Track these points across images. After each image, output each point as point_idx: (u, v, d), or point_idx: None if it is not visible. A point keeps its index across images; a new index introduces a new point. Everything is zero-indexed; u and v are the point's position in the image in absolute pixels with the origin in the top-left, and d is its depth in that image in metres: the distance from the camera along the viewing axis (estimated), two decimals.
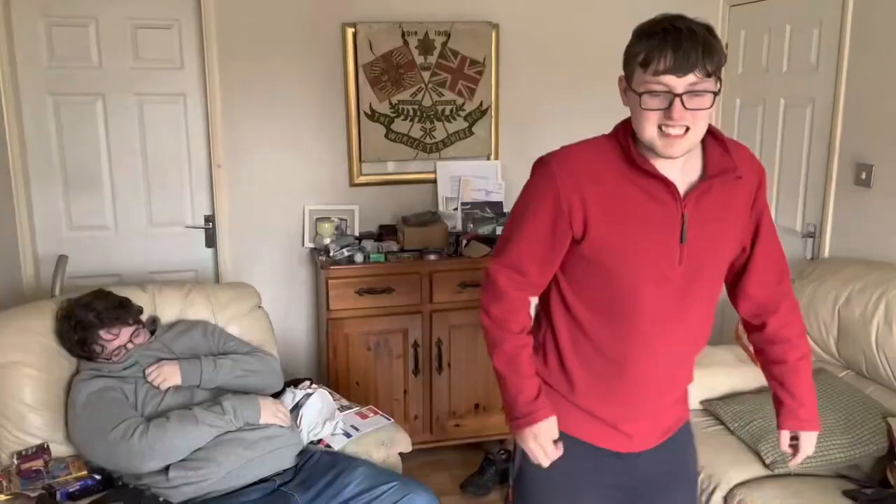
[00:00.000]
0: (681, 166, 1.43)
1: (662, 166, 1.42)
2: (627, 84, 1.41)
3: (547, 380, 1.55)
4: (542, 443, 1.47)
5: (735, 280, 1.61)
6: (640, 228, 1.43)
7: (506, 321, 1.51)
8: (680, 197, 1.42)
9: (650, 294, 1.45)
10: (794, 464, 1.68)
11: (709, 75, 1.33)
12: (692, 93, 1.32)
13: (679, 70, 1.32)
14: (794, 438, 1.64)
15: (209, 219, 3.41)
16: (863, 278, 2.60)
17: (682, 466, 1.70)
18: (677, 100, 1.32)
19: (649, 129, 1.36)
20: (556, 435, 1.49)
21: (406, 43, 3.38)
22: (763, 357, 1.70)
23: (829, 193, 3.03)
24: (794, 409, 1.61)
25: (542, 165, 1.47)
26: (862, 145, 2.86)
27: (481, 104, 3.51)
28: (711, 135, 1.46)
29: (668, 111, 1.34)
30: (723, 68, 1.37)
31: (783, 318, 1.61)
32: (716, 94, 1.35)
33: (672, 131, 1.35)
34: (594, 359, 1.51)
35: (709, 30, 1.35)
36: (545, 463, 1.48)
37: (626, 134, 1.44)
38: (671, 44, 1.32)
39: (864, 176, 2.84)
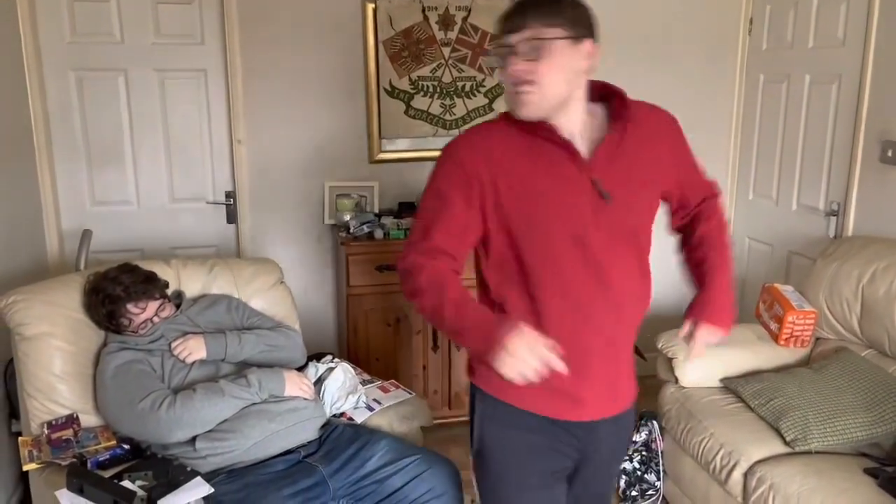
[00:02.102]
0: (580, 130, 1.47)
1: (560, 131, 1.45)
2: None
3: None
4: (537, 348, 1.29)
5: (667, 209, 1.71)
6: (550, 195, 1.45)
7: (442, 287, 1.42)
8: (582, 159, 1.44)
9: (571, 257, 1.46)
10: (690, 359, 1.63)
11: (551, 26, 1.36)
12: (532, 45, 1.36)
13: (514, 26, 1.38)
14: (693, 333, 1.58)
15: (230, 195, 3.43)
16: (887, 257, 2.58)
17: (622, 445, 1.75)
18: (512, 54, 1.38)
19: (506, 92, 1.45)
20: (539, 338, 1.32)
21: (426, 18, 3.36)
22: (687, 262, 1.69)
23: (853, 171, 2.99)
24: (703, 303, 1.58)
25: (447, 149, 1.50)
26: (889, 122, 2.82)
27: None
28: (617, 96, 1.50)
29: (508, 68, 1.40)
30: (582, 23, 1.41)
31: (706, 227, 1.65)
32: (572, 40, 1.38)
33: (518, 88, 1.40)
34: (536, 324, 1.42)
35: None
36: (560, 365, 1.31)
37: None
38: (514, 5, 1.41)
39: (890, 153, 2.80)
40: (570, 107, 1.45)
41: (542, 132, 1.43)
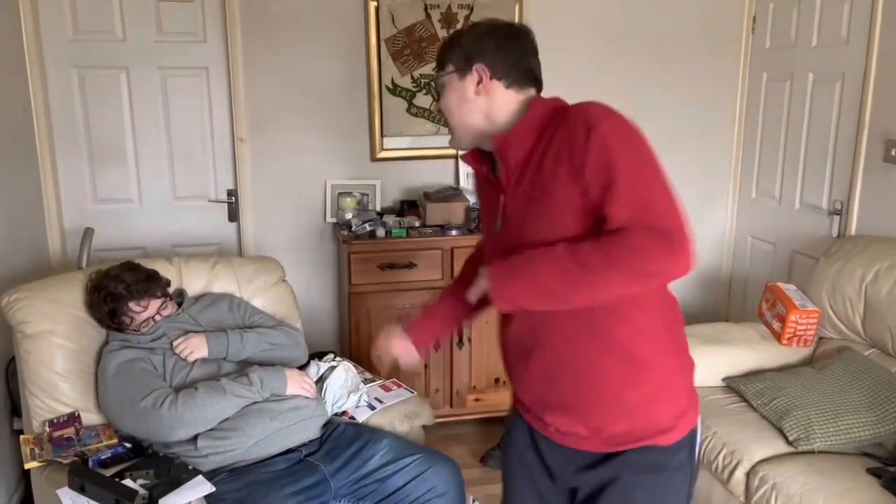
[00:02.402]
0: (502, 154, 1.40)
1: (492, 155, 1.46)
2: None
3: None
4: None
5: None
6: (486, 219, 1.55)
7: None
8: (497, 183, 1.44)
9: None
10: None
11: (441, 68, 1.46)
12: (438, 88, 1.50)
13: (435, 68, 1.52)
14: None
15: (232, 193, 3.43)
16: (890, 256, 2.57)
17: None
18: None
19: None
20: None
21: (429, 16, 3.36)
22: None
23: (857, 170, 2.99)
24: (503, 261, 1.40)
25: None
26: (892, 121, 2.81)
27: None
28: (549, 110, 1.38)
29: None
30: (467, 53, 1.43)
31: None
32: (458, 73, 1.43)
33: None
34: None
35: (459, 31, 1.48)
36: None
37: None
38: None
39: (893, 153, 2.80)
40: (489, 130, 1.43)
41: (466, 157, 1.52)
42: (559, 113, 1.35)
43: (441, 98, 1.48)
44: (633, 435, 1.40)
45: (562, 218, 1.31)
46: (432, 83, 3.41)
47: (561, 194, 1.30)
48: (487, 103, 1.43)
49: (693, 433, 1.46)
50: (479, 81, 1.42)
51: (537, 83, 1.47)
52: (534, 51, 1.46)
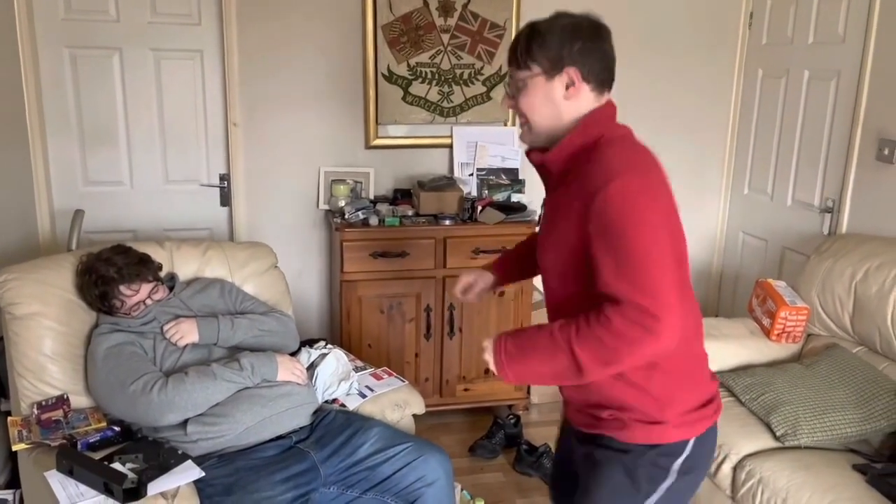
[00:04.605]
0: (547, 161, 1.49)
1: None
2: None
3: None
4: None
5: None
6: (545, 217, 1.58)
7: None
8: (550, 184, 1.53)
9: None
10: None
11: (523, 66, 1.44)
12: (513, 84, 1.48)
13: (509, 62, 1.50)
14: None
15: (224, 177, 3.41)
16: (881, 255, 2.59)
17: (585, 482, 1.57)
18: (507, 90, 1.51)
19: None
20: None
21: (426, 4, 3.33)
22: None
23: (849, 168, 3.00)
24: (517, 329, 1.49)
25: None
26: (886, 120, 2.82)
27: (500, 69, 3.47)
28: (594, 139, 1.42)
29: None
30: (556, 54, 1.41)
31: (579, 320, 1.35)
32: (545, 76, 1.42)
33: (520, 123, 1.52)
34: None
35: (538, 27, 1.43)
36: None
37: None
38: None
39: (886, 152, 2.81)
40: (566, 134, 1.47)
41: (531, 154, 1.54)
42: (598, 142, 1.41)
43: (520, 97, 1.46)
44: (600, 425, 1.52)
45: (566, 243, 1.41)
46: (429, 71, 3.40)
47: (567, 226, 1.40)
48: (573, 106, 1.44)
49: (661, 448, 1.47)
50: (570, 85, 1.42)
51: (612, 84, 1.49)
52: (612, 50, 1.47)
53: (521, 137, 1.53)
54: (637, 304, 1.27)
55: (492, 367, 1.46)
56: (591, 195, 1.32)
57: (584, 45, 1.42)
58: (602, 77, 1.45)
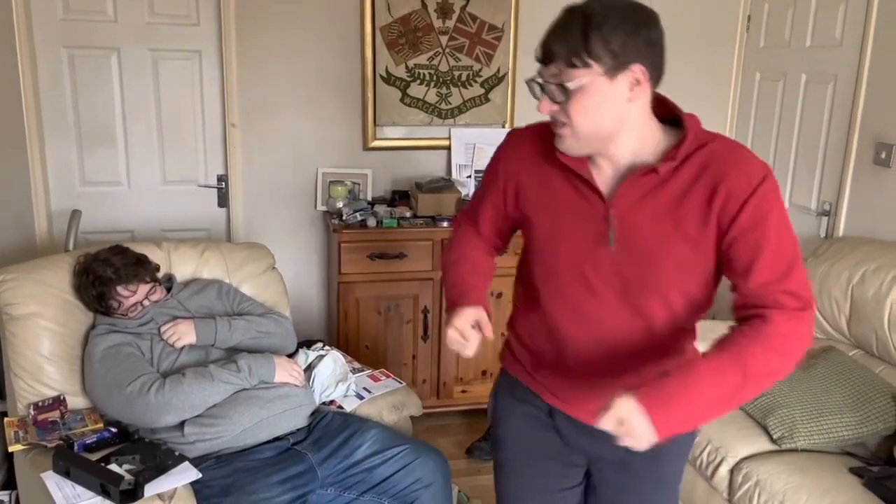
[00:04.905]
0: (632, 153, 1.29)
1: (593, 160, 1.31)
2: None
3: None
4: (465, 331, 1.36)
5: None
6: (565, 219, 1.35)
7: (454, 246, 1.60)
8: (601, 195, 1.30)
9: (568, 286, 1.38)
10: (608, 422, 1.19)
11: (576, 65, 1.18)
12: (562, 86, 1.20)
13: (543, 56, 1.23)
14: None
15: (222, 178, 3.41)
16: (878, 258, 2.60)
17: (633, 480, 1.53)
18: (543, 92, 1.24)
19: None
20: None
21: (425, 6, 3.34)
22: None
23: (846, 172, 3.01)
24: (657, 384, 1.21)
25: (506, 136, 1.51)
26: (884, 124, 2.83)
27: (498, 71, 3.48)
28: (686, 129, 1.29)
29: (540, 104, 1.26)
30: (620, 48, 1.18)
31: (744, 341, 1.26)
32: (607, 76, 1.19)
33: (553, 126, 1.27)
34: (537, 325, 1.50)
35: (591, 14, 1.18)
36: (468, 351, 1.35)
37: None
38: (548, 30, 1.23)
39: (883, 155, 2.82)
40: (620, 137, 1.28)
41: (564, 157, 1.32)
42: (710, 145, 1.28)
43: (569, 101, 1.21)
44: None
45: (694, 258, 1.29)
46: (427, 73, 3.40)
47: (695, 241, 1.27)
48: (634, 109, 1.25)
49: None
50: (636, 85, 1.22)
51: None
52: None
53: (557, 144, 1.29)
54: (798, 294, 1.24)
55: (636, 439, 1.14)
56: (741, 193, 1.22)
57: (649, 36, 1.21)
58: (661, 71, 1.26)
